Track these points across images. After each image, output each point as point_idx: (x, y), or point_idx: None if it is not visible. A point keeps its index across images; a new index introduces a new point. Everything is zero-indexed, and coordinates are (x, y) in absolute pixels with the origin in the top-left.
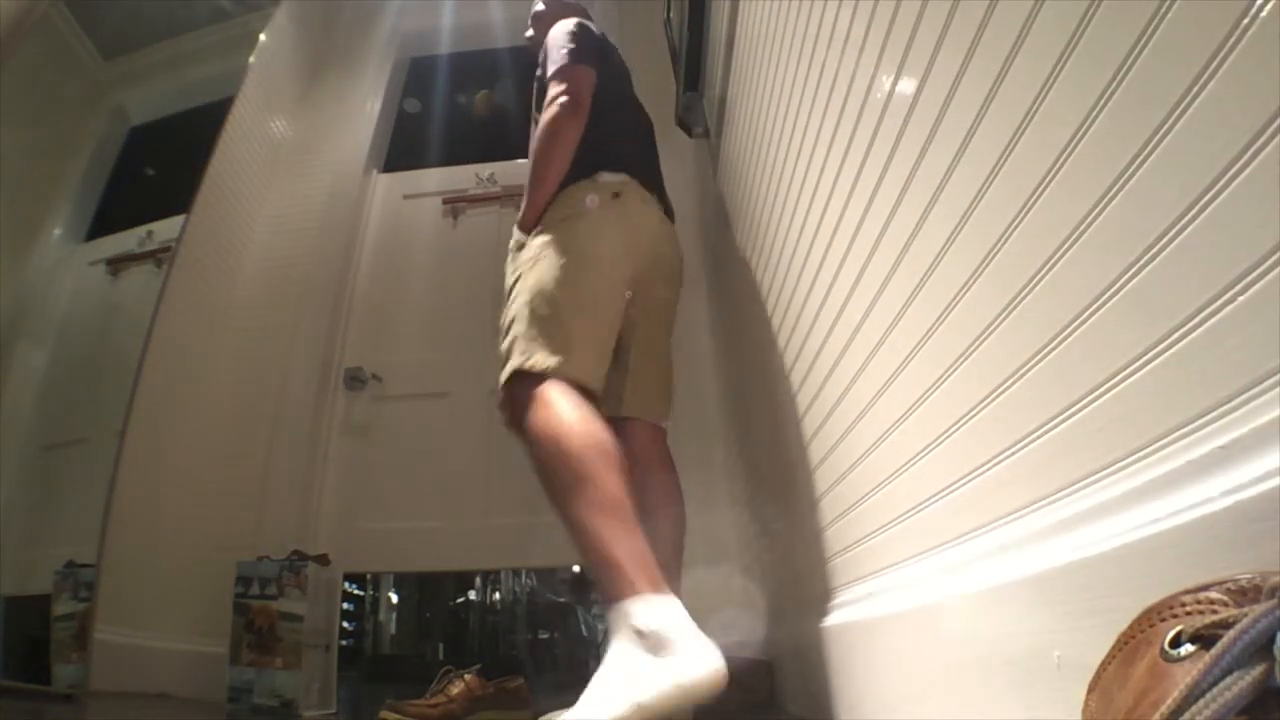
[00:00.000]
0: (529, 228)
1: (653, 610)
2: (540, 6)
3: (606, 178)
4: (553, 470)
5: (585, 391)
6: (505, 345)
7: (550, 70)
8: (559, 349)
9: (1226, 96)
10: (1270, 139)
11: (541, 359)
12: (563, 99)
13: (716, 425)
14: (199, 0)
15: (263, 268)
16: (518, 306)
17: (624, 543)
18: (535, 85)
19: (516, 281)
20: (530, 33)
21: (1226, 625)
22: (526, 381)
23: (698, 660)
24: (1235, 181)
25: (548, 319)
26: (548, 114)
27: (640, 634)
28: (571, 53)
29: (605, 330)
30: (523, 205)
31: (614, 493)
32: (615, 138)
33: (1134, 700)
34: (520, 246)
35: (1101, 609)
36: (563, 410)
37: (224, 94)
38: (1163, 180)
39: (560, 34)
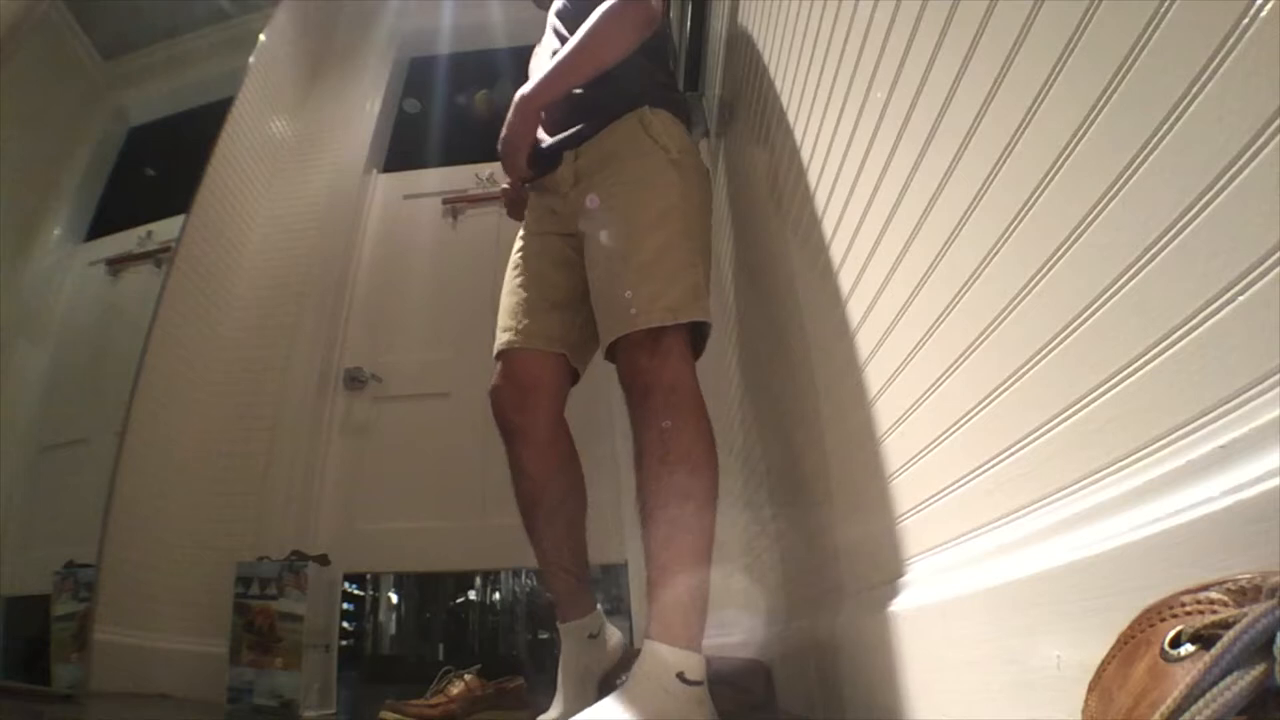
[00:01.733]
0: (541, 101)
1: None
2: None
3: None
4: (705, 457)
5: None
6: (676, 281)
7: None
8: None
9: (1226, 96)
10: (1270, 139)
11: (707, 315)
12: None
13: (717, 425)
14: (199, 0)
15: (262, 268)
16: (699, 247)
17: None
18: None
19: (665, 207)
20: None
21: (1226, 625)
22: (684, 337)
23: None
24: (1235, 181)
25: (707, 273)
26: (609, 12)
27: (687, 682)
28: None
29: None
30: (546, 74)
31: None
32: None
33: (1134, 700)
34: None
35: (1101, 609)
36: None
37: (224, 94)
38: (1163, 180)
39: None
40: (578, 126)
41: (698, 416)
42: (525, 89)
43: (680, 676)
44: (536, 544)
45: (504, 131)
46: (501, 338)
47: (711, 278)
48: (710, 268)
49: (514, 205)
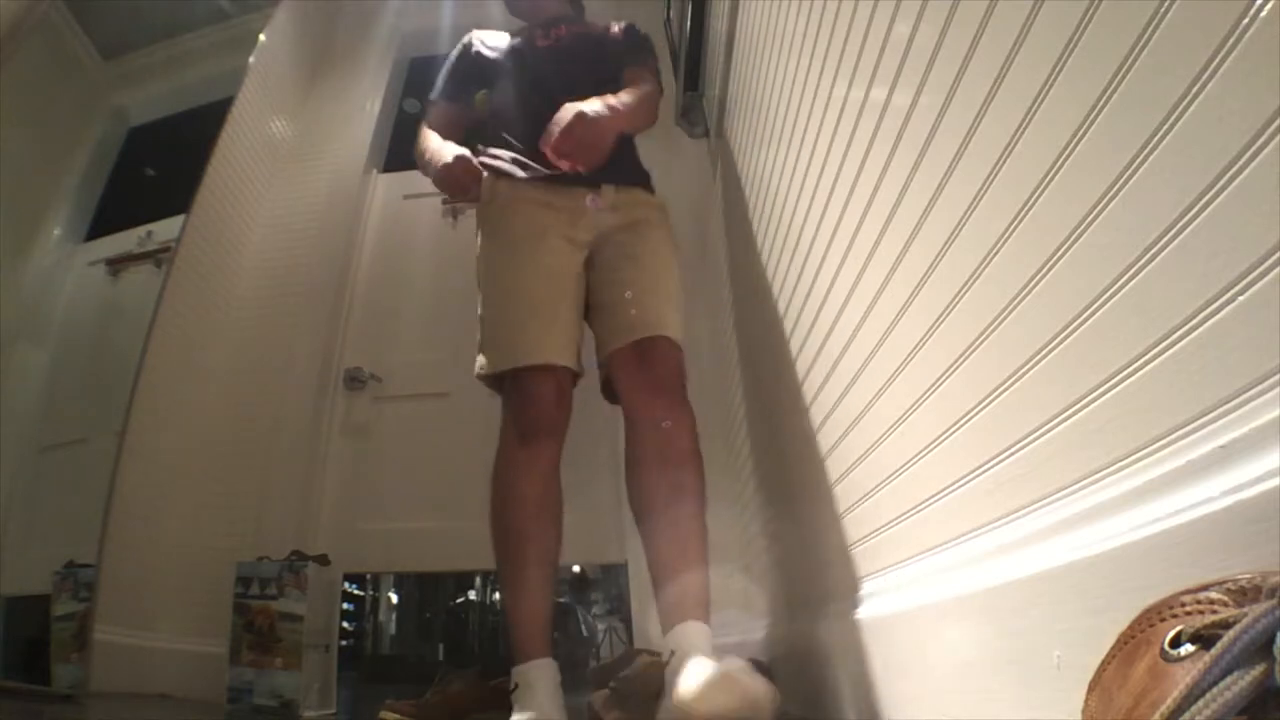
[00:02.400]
0: (618, 127)
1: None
2: None
3: None
4: (700, 459)
5: None
6: (675, 307)
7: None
8: None
9: (1226, 96)
10: (1270, 139)
11: None
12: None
13: (717, 424)
14: (199, 0)
15: (263, 268)
16: (677, 281)
17: None
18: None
19: (658, 250)
20: None
21: (1226, 625)
22: None
23: None
24: (1235, 181)
25: None
26: (655, 93)
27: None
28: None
29: None
30: (617, 103)
31: None
32: None
33: (1134, 700)
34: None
35: (1101, 609)
36: None
37: (224, 94)
38: (1163, 180)
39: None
40: (622, 170)
41: (695, 420)
42: (607, 110)
43: None
44: (530, 556)
45: (581, 137)
46: (549, 354)
47: (708, 279)
48: None
49: (465, 181)
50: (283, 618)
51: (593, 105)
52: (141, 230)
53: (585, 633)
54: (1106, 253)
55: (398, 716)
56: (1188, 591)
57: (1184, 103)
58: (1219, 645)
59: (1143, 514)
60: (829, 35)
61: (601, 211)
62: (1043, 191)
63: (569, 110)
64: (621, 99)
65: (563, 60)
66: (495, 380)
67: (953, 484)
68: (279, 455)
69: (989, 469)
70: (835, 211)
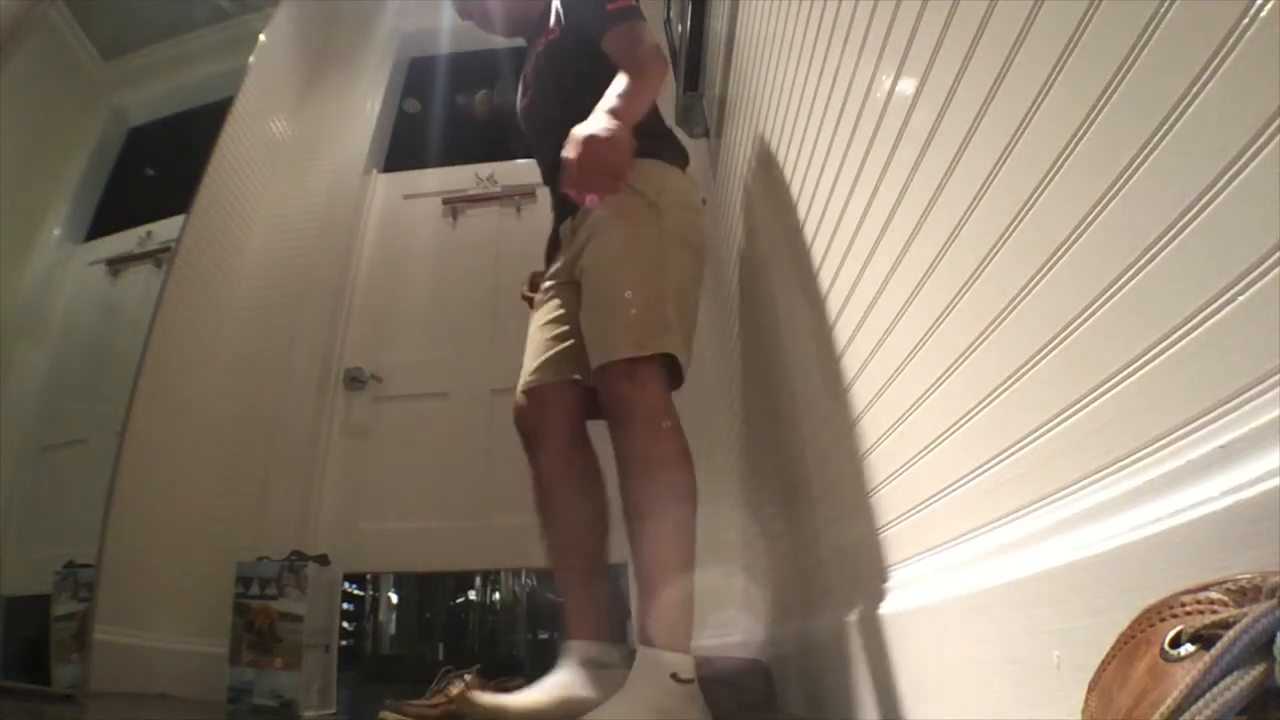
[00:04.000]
0: (622, 127)
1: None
2: None
3: (691, 179)
4: (679, 471)
5: None
6: (644, 315)
7: (629, 16)
8: (689, 346)
9: (1226, 96)
10: (1270, 139)
11: (683, 349)
12: (660, 53)
13: (717, 424)
14: (198, 0)
15: (262, 268)
16: (670, 283)
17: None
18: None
19: (638, 247)
20: None
21: (1226, 625)
22: (659, 366)
23: None
24: (1235, 181)
25: (690, 311)
26: (653, 51)
27: (680, 681)
28: (642, 24)
29: None
30: (616, 104)
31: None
32: None
33: (1134, 700)
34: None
35: (1101, 609)
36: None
37: (224, 94)
38: (1163, 180)
39: None
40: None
41: (671, 441)
42: (612, 118)
43: (674, 676)
44: (553, 550)
45: (604, 158)
46: (525, 382)
47: (709, 280)
48: (692, 297)
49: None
50: (283, 618)
51: (585, 127)
52: (141, 230)
53: None
54: (1106, 253)
55: (398, 717)
56: (1188, 591)
57: (1184, 103)
58: (1219, 645)
59: (1143, 514)
60: (829, 35)
61: (573, 241)
62: (1043, 191)
63: (567, 148)
64: (612, 91)
65: (540, 118)
66: None
67: (952, 484)
68: (279, 455)
69: (989, 469)
70: (835, 211)
